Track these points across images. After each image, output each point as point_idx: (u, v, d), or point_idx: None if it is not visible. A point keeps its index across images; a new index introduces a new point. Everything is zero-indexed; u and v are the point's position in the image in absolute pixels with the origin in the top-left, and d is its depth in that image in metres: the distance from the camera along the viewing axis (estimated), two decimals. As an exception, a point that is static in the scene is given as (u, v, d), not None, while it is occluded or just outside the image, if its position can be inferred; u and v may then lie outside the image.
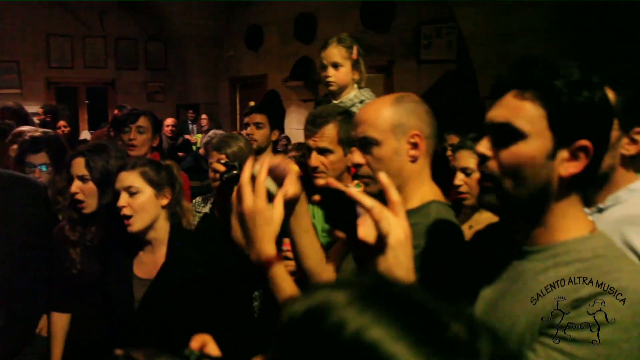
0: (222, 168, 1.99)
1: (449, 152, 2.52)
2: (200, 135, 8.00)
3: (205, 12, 8.92)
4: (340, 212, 1.00)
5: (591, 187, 1.66)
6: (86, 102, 9.45)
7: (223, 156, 2.46)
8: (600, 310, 0.98)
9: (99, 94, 9.57)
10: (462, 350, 0.49)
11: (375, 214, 0.92)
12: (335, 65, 2.66)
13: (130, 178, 1.94)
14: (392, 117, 1.44)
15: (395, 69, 6.21)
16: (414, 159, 1.44)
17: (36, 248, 2.32)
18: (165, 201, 2.00)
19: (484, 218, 2.26)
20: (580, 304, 1.00)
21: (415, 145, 1.44)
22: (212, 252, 2.02)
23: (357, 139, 1.47)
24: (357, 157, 1.47)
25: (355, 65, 2.69)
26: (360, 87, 2.72)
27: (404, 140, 1.44)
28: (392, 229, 0.93)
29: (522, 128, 1.06)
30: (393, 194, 0.96)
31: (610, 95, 1.59)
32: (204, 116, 8.43)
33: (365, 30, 6.28)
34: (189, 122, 8.94)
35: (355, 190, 0.98)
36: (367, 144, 1.44)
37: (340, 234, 1.01)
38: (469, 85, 4.79)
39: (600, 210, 1.66)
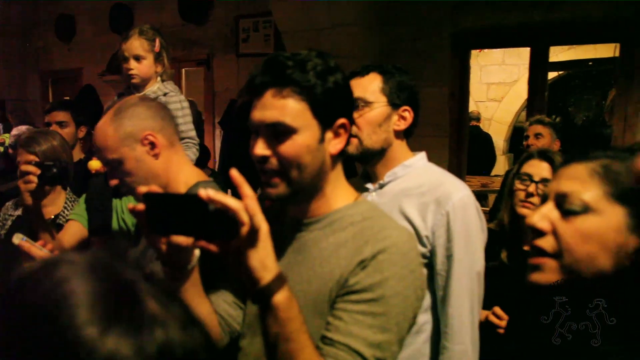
0: (36, 170, 1.89)
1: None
2: (8, 135, 7.35)
3: (8, -2, 8.18)
4: (176, 217, 1.00)
5: (370, 161, 1.86)
6: None
7: (33, 156, 2.31)
8: (382, 267, 1.14)
9: None
10: (147, 324, 0.53)
11: (251, 208, 0.96)
12: (137, 58, 2.63)
13: None
14: (116, 133, 1.50)
15: (215, 63, 6.21)
16: (156, 156, 1.52)
17: None
18: None
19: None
20: (366, 265, 1.15)
21: (152, 144, 1.52)
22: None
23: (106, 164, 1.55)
24: (112, 181, 1.55)
25: (158, 58, 2.68)
26: (163, 80, 2.72)
27: (139, 146, 1.51)
28: (262, 222, 0.99)
29: (292, 124, 1.16)
30: (247, 190, 0.99)
31: (379, 78, 1.82)
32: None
33: (184, 23, 6.21)
34: (-5, 119, 8.16)
35: (207, 191, 0.97)
36: (112, 165, 1.52)
37: (183, 240, 1.02)
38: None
39: (381, 186, 1.87)
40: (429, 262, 1.78)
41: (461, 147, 4.50)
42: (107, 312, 0.51)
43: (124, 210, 2.24)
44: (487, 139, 7.84)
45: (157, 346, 0.52)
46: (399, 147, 1.86)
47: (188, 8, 6.19)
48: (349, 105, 1.27)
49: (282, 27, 4.58)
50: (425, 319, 1.81)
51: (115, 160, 1.49)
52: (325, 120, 1.20)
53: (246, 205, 0.97)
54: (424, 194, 1.78)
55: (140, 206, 1.04)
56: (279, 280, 1.03)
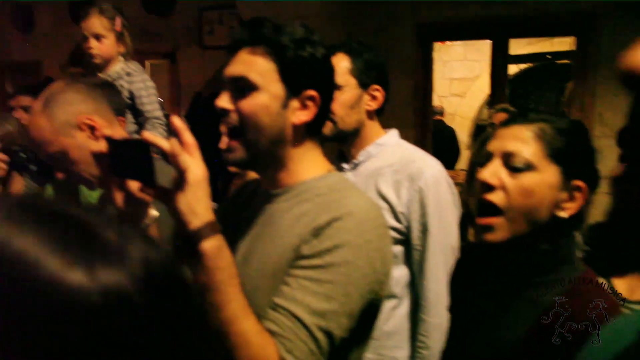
0: (4, 156, 1.86)
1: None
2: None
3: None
4: (128, 162, 1.07)
5: (345, 142, 1.89)
6: None
7: None
8: (335, 234, 1.12)
9: None
10: (108, 254, 0.52)
11: (174, 150, 1.01)
12: (97, 37, 2.59)
13: None
14: (51, 125, 1.48)
15: (179, 56, 6.15)
16: (97, 138, 1.50)
17: None
18: None
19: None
20: (319, 232, 1.13)
21: (91, 128, 1.50)
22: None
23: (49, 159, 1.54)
24: (59, 174, 1.58)
25: (120, 37, 2.63)
26: (127, 60, 2.66)
27: (77, 132, 1.49)
28: (191, 166, 1.01)
29: (256, 81, 1.17)
30: (187, 137, 1.03)
31: (347, 59, 1.84)
32: (-34, 105, 7.53)
33: (147, 16, 6.12)
34: (-52, 112, 7.93)
35: (148, 134, 1.05)
36: (55, 158, 1.51)
37: (134, 184, 1.05)
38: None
39: (355, 166, 1.89)
40: (406, 238, 1.82)
41: (425, 140, 4.57)
42: (69, 252, 0.50)
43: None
44: (451, 133, 7.95)
45: (139, 264, 0.53)
46: (372, 126, 1.90)
47: (152, 0, 6.12)
48: (325, 81, 1.25)
49: (247, 19, 4.58)
50: (403, 293, 1.86)
51: (58, 152, 1.45)
52: (292, 87, 1.19)
53: (175, 148, 1.01)
54: (397, 171, 1.81)
55: (104, 148, 1.09)
56: (209, 228, 1.03)
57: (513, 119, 1.24)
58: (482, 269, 1.31)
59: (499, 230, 1.17)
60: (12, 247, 0.49)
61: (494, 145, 1.22)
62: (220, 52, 6.11)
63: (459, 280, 1.41)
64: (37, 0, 7.72)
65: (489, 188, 1.17)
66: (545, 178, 1.15)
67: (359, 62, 1.85)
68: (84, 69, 7.03)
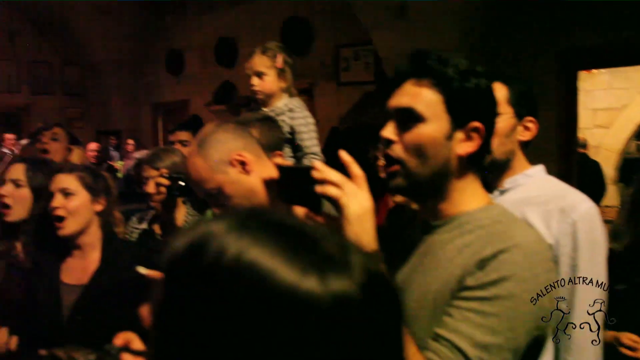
0: (166, 182, 2.03)
1: (381, 162, 2.63)
2: (122, 162, 7.86)
3: (123, 36, 8.80)
4: (296, 189, 1.12)
5: (495, 171, 1.85)
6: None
7: (159, 171, 2.43)
8: (501, 266, 1.09)
9: (12, 120, 9.20)
10: (334, 264, 0.55)
11: (342, 181, 1.07)
12: (259, 74, 2.71)
13: (67, 180, 1.94)
14: (206, 164, 1.53)
15: (316, 92, 6.37)
16: (249, 172, 1.54)
17: None
18: (99, 207, 2.01)
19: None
20: (484, 263, 1.11)
21: (242, 163, 1.54)
22: (147, 258, 2.03)
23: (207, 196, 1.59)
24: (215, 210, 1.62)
25: (281, 73, 2.73)
26: (291, 95, 2.76)
27: (230, 168, 1.54)
28: (359, 197, 1.07)
29: (422, 112, 1.18)
30: (355, 169, 1.09)
31: (504, 89, 1.81)
32: (130, 141, 8.28)
33: (286, 54, 6.43)
34: (111, 148, 8.75)
35: (319, 163, 1.10)
36: (212, 194, 1.55)
37: (300, 210, 1.11)
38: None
39: (501, 193, 1.85)
40: None
41: (570, 175, 4.31)
42: (300, 261, 0.53)
43: None
44: (595, 167, 7.47)
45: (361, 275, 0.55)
46: (521, 158, 1.85)
47: (290, 39, 6.41)
48: (489, 112, 1.24)
49: (383, 54, 4.64)
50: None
51: (214, 189, 1.53)
52: (458, 119, 1.19)
53: (342, 182, 1.05)
54: (547, 202, 1.74)
55: (274, 175, 1.16)
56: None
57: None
58: None
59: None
60: (247, 257, 0.53)
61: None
62: (355, 88, 6.28)
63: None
64: (188, 46, 8.37)
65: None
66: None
67: (515, 92, 1.82)
68: (228, 106, 7.51)
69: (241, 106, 7.65)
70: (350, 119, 6.00)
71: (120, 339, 1.28)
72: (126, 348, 1.19)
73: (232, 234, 0.55)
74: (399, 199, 2.50)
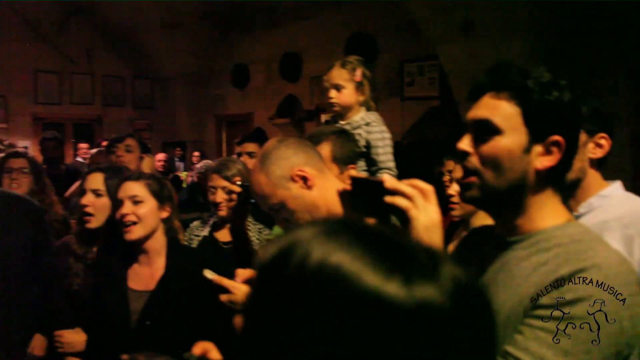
0: (238, 189, 2.07)
1: (446, 177, 2.56)
2: (186, 173, 8.06)
3: (191, 51, 9.07)
4: (367, 201, 1.15)
5: (566, 192, 1.78)
6: (72, 140, 9.43)
7: (231, 180, 2.48)
8: (578, 287, 1.05)
9: (85, 130, 9.61)
10: (422, 270, 0.54)
11: (413, 194, 1.09)
12: (337, 87, 2.70)
13: (136, 188, 2.01)
14: (269, 180, 1.55)
15: (380, 107, 6.35)
16: (311, 187, 1.55)
17: (28, 267, 2.36)
18: (165, 214, 2.07)
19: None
20: (560, 283, 1.07)
21: (304, 178, 1.54)
22: (210, 264, 2.07)
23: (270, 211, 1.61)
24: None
25: (359, 87, 2.73)
26: (368, 109, 2.75)
27: (292, 184, 1.55)
28: (428, 210, 1.08)
29: (499, 124, 1.16)
30: (422, 184, 1.10)
31: None
32: (196, 153, 8.50)
33: (350, 69, 6.46)
34: (176, 159, 8.99)
35: (390, 178, 1.14)
36: (275, 209, 1.57)
37: (370, 221, 1.12)
38: (452, 120, 4.94)
39: (576, 218, 1.77)
40: None
41: (645, 193, 4.13)
42: (385, 266, 0.54)
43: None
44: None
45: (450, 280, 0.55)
46: (594, 176, 1.76)
47: (355, 54, 6.44)
48: (571, 126, 1.20)
49: (449, 69, 4.60)
50: None
51: (277, 204, 1.55)
52: (537, 132, 1.16)
53: (414, 193, 1.07)
54: (627, 225, 1.66)
55: (348, 187, 1.18)
56: None
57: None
58: None
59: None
60: (331, 261, 0.54)
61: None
62: (419, 103, 6.24)
63: None
64: (253, 60, 8.54)
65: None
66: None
67: (587, 108, 1.75)
68: (291, 119, 7.59)
69: (304, 120, 7.76)
70: (414, 134, 5.96)
71: (198, 348, 1.31)
72: (204, 358, 1.21)
73: (318, 240, 0.56)
74: (457, 213, 2.45)
